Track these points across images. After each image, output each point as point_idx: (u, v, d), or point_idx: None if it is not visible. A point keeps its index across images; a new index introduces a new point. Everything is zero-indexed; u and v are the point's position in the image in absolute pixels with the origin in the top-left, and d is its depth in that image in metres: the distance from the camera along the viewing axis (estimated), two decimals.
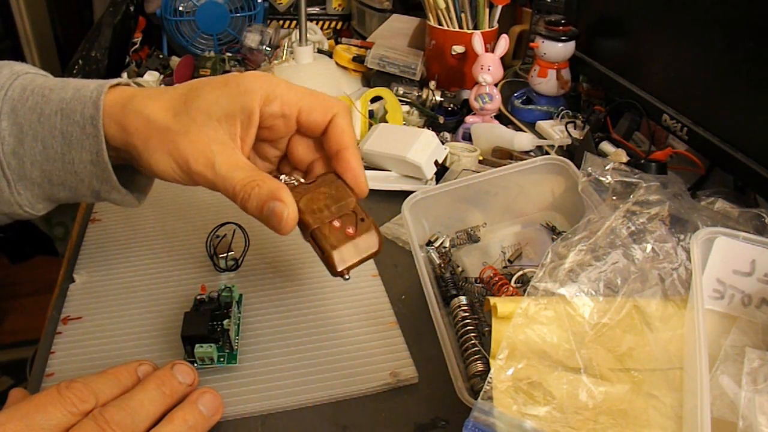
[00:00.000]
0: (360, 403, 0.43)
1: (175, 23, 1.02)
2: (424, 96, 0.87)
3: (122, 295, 0.52)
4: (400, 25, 1.02)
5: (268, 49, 1.01)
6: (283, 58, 0.97)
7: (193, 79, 0.46)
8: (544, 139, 0.78)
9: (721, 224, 0.44)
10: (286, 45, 0.99)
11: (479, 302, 0.48)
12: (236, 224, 0.56)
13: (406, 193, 0.55)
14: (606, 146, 0.72)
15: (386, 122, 0.80)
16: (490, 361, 0.37)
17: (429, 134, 0.69)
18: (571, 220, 0.55)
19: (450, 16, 0.87)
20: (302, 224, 0.43)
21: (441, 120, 0.82)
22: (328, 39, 1.09)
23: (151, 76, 0.95)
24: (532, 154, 0.74)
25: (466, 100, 0.84)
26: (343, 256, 0.42)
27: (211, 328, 0.44)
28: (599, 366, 0.38)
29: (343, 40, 1.03)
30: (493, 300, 0.40)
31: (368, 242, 0.43)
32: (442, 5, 0.85)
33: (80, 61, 0.92)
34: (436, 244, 0.55)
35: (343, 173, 0.45)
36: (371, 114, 0.82)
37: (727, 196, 0.57)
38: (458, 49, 0.87)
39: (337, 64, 0.96)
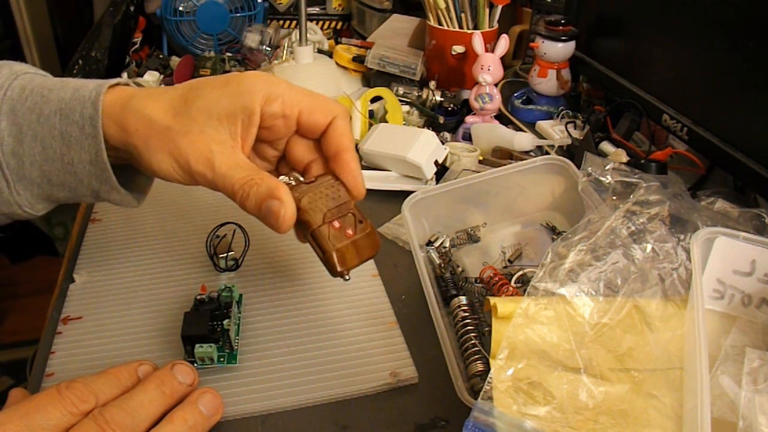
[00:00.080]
0: (360, 403, 0.43)
1: (175, 23, 1.02)
2: (424, 96, 0.87)
3: (122, 295, 0.52)
4: (400, 25, 1.02)
5: (268, 49, 1.01)
6: (283, 58, 0.97)
7: (193, 79, 0.46)
8: (544, 139, 0.78)
9: (721, 224, 0.44)
10: (286, 45, 0.99)
11: (479, 302, 0.48)
12: (236, 224, 0.56)
13: (406, 193, 0.55)
14: (606, 146, 0.72)
15: (386, 122, 0.80)
16: (490, 361, 0.37)
17: (429, 134, 0.70)
18: (571, 220, 0.55)
19: (450, 16, 0.87)
20: (303, 224, 0.43)
21: (441, 120, 0.82)
22: (328, 39, 1.09)
23: (151, 76, 0.95)
24: (532, 154, 0.74)
25: (466, 100, 0.84)
26: (344, 256, 0.42)
27: (211, 328, 0.44)
28: (599, 366, 0.38)
29: (343, 40, 1.03)
30: (493, 300, 0.40)
31: (367, 243, 0.44)
32: (442, 5, 0.85)
33: (80, 61, 0.92)
34: (436, 244, 0.55)
35: (341, 175, 0.45)
36: (371, 114, 0.82)
37: (727, 196, 0.57)
38: (458, 49, 0.87)
39: (337, 64, 0.96)
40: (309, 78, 0.92)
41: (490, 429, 0.34)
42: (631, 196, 0.46)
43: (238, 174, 0.41)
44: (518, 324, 0.38)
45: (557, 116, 0.83)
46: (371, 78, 0.92)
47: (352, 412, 0.43)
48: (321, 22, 1.16)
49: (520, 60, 1.02)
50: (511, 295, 0.46)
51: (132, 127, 0.42)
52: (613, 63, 0.78)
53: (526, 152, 0.74)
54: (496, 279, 0.48)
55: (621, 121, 0.75)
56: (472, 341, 0.44)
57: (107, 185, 0.44)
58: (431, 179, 0.68)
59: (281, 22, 1.13)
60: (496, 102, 0.81)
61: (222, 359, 0.44)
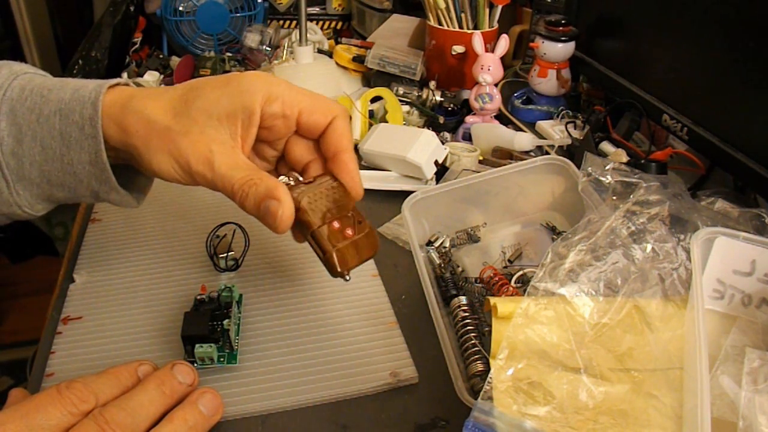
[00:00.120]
0: (360, 403, 0.43)
1: (175, 23, 1.02)
2: (424, 96, 0.87)
3: (122, 295, 0.52)
4: (400, 25, 1.02)
5: (268, 49, 1.01)
6: (283, 58, 0.97)
7: (193, 79, 0.46)
8: (544, 139, 0.78)
9: (721, 224, 0.44)
10: (286, 45, 0.99)
11: (479, 302, 0.48)
12: (236, 224, 0.56)
13: (406, 193, 0.55)
14: (606, 146, 0.72)
15: (386, 122, 0.80)
16: (490, 361, 0.37)
17: (429, 134, 0.70)
18: (571, 220, 0.55)
19: (450, 16, 0.87)
20: (303, 224, 0.43)
21: (441, 120, 0.82)
22: (328, 39, 1.09)
23: (151, 76, 0.95)
24: (532, 154, 0.74)
25: (466, 100, 0.84)
26: (344, 256, 0.43)
27: (211, 328, 0.44)
28: (599, 366, 0.38)
29: (343, 40, 1.03)
30: (493, 300, 0.40)
31: (367, 243, 0.44)
32: (442, 5, 0.85)
33: (80, 61, 0.92)
34: (436, 244, 0.55)
35: (340, 175, 0.45)
36: (371, 114, 0.82)
37: (727, 196, 0.57)
38: (458, 49, 0.87)
39: (337, 64, 0.96)
40: (309, 78, 0.92)
41: (490, 429, 0.34)
42: (631, 196, 0.46)
43: (237, 174, 0.41)
44: (518, 324, 0.38)
45: (557, 116, 0.83)
46: (371, 78, 0.92)
47: (352, 412, 0.43)
48: (321, 22, 1.16)
49: (520, 60, 1.02)
50: (511, 295, 0.46)
51: (132, 127, 0.42)
52: (613, 63, 0.78)
53: (526, 152, 0.74)
54: (496, 279, 0.48)
55: (621, 121, 0.75)
56: (472, 341, 0.44)
57: (107, 186, 0.44)
58: (431, 179, 0.68)
59: (281, 22, 1.13)
60: (496, 102, 0.81)
61: (222, 359, 0.44)
